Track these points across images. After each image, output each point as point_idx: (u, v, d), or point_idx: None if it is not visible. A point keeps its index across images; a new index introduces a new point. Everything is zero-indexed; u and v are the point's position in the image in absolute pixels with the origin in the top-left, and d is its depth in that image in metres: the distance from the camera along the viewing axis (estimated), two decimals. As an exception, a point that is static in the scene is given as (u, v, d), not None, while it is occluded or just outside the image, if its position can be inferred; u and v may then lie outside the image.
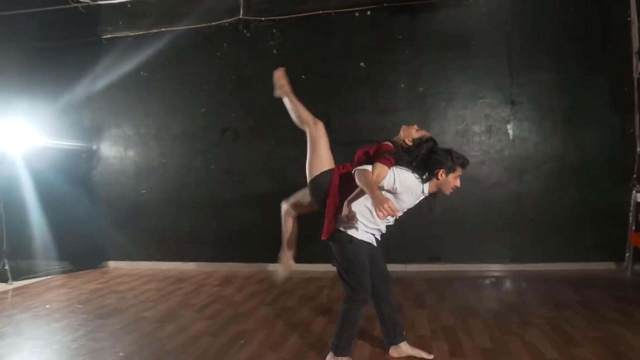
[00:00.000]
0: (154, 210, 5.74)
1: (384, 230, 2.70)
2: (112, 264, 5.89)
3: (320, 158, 2.76)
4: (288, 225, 3.00)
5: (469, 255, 5.02)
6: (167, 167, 5.73)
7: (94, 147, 5.93)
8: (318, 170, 2.73)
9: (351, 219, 2.52)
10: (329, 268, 4.36)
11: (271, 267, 5.35)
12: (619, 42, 4.74)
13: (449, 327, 3.27)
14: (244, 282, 4.86)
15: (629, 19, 4.69)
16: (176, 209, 5.68)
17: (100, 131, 5.90)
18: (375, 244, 2.69)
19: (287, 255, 3.07)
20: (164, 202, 5.72)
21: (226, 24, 5.50)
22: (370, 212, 2.55)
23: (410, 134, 2.71)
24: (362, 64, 5.25)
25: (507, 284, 4.58)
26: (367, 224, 2.59)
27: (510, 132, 4.97)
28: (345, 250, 2.59)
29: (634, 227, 4.61)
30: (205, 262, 5.58)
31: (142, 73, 5.74)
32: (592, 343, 2.86)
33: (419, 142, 2.63)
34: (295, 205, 2.96)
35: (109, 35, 5.82)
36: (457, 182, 2.56)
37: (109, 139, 5.89)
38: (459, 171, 2.54)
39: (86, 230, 5.79)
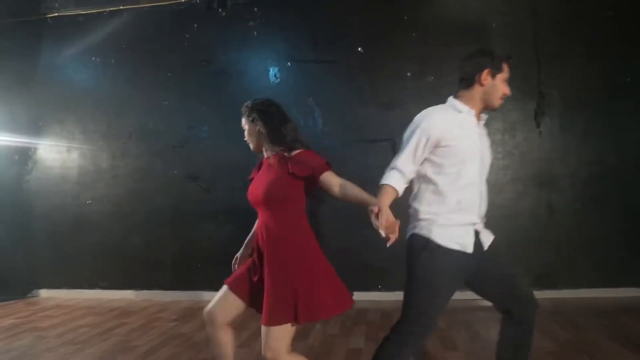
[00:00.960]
0: (100, 224, 4.62)
1: (483, 210, 1.80)
2: (44, 292, 4.69)
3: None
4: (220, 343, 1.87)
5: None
6: (118, 171, 4.65)
7: (31, 147, 4.82)
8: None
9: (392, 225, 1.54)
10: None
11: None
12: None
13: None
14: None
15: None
16: (128, 222, 4.58)
17: (38, 127, 4.81)
18: (471, 249, 1.71)
19: None
20: (113, 215, 4.62)
21: (197, 1, 4.60)
22: (441, 192, 1.70)
23: None
24: (360, 48, 4.38)
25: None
26: (445, 211, 1.70)
27: (539, 129, 4.14)
28: (416, 262, 1.70)
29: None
30: (161, 291, 4.46)
31: (93, 58, 4.75)
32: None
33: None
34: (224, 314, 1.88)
35: (55, 14, 4.83)
36: (506, 88, 1.80)
37: (49, 137, 4.80)
38: (506, 70, 1.79)
39: (12, 250, 4.62)
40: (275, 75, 4.49)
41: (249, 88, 4.53)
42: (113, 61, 4.72)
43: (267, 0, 4.51)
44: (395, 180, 1.70)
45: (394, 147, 4.31)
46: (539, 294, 3.74)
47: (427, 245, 1.67)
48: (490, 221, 4.06)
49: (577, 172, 4.07)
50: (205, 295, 4.32)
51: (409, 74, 4.33)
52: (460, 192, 1.70)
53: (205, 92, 4.57)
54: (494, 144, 4.11)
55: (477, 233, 1.75)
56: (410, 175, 1.73)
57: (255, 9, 4.54)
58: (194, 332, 3.28)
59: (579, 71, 4.10)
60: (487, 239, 1.81)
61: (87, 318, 3.75)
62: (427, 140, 1.70)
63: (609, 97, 4.05)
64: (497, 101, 1.79)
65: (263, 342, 1.73)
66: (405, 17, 4.36)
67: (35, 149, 4.83)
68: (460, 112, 1.78)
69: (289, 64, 4.49)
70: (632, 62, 4.02)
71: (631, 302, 3.70)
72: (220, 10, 4.58)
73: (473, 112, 1.78)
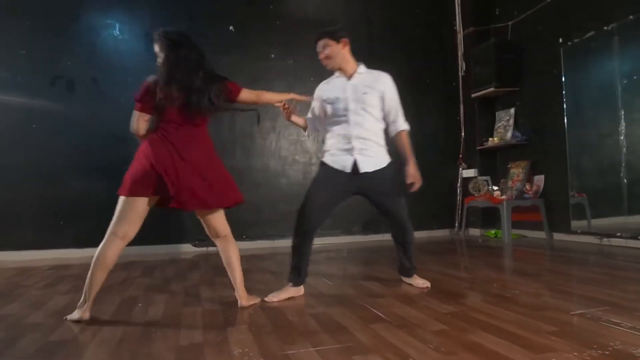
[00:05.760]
0: None
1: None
2: None
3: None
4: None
5: (327, 230, 5.12)
6: (-41, 122, 4.20)
7: None
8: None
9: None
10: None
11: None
12: (450, 46, 5.69)
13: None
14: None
15: (455, 28, 5.69)
16: (-28, 179, 4.19)
17: None
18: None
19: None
20: (-48, 170, 4.16)
21: (64, -48, 4.46)
22: None
23: None
24: (231, 27, 4.95)
25: (350, 253, 4.74)
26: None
27: (369, 112, 5.36)
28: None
29: (460, 197, 5.50)
30: (18, 251, 4.23)
31: None
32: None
33: None
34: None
35: None
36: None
37: None
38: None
39: None
40: (152, 41, 4.68)
41: (121, 49, 4.65)
42: (-48, -2, 4.21)
43: (144, -34, 4.68)
44: None
45: (259, 117, 5.01)
46: (367, 238, 4.96)
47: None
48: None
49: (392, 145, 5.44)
50: (73, 252, 4.31)
51: (273, 55, 5.08)
52: None
53: (73, 46, 4.47)
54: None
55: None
56: None
57: (131, -28, 4.66)
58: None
59: (399, 71, 5.37)
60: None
61: (-61, 274, 3.43)
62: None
63: (417, 91, 5.52)
64: None
65: (217, 224, 2.33)
66: (271, 7, 5.09)
67: None
68: None
69: (163, 31, 4.74)
70: (430, 69, 5.58)
71: (423, 240, 5.21)
72: (91, -34, 4.55)
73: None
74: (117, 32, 4.64)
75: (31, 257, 4.20)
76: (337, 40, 2.53)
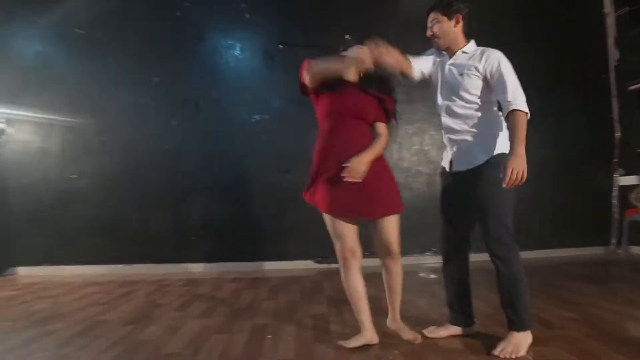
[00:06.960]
0: (86, 199, 4.55)
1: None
2: (23, 270, 4.52)
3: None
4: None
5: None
6: (108, 147, 4.61)
7: (3, 119, 4.60)
8: None
9: None
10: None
11: (246, 266, 4.50)
12: (594, 32, 4.88)
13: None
14: (221, 283, 3.94)
15: (603, 10, 4.87)
16: (118, 198, 4.56)
17: (13, 98, 4.60)
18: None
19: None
20: (102, 190, 4.57)
21: (188, -21, 4.69)
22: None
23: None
24: (347, 36, 4.76)
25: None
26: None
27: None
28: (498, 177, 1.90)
29: (618, 209, 4.65)
30: (156, 264, 4.51)
31: (77, 30, 4.64)
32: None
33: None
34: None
35: (29, -19, 4.65)
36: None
37: (26, 109, 4.61)
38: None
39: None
40: (271, 57, 4.72)
41: (241, 67, 4.76)
42: (100, 34, 4.65)
43: (260, -16, 4.73)
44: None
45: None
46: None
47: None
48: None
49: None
50: (202, 267, 4.49)
51: (390, 63, 4.80)
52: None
53: (198, 68, 4.68)
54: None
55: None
56: None
57: (247, -9, 4.74)
58: (212, 291, 3.46)
59: (531, 65, 4.75)
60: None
61: (91, 287, 3.75)
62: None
63: (553, 87, 4.80)
64: None
65: (388, 235, 2.07)
66: (384, 8, 4.83)
67: (10, 120, 4.61)
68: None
69: (280, 46, 4.75)
70: (570, 60, 4.80)
71: (565, 259, 4.49)
72: (212, -11, 4.72)
73: None
74: (239, 52, 4.75)
75: (167, 270, 4.43)
76: (450, 16, 2.14)
